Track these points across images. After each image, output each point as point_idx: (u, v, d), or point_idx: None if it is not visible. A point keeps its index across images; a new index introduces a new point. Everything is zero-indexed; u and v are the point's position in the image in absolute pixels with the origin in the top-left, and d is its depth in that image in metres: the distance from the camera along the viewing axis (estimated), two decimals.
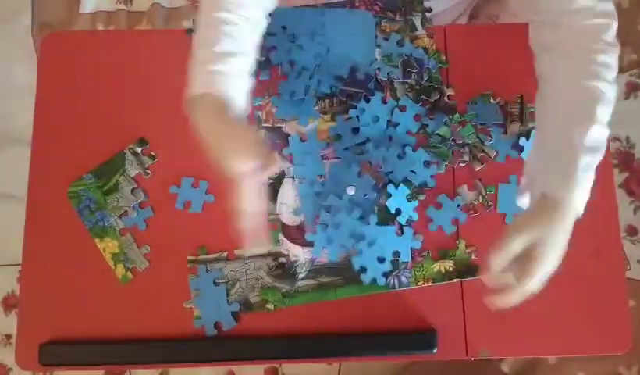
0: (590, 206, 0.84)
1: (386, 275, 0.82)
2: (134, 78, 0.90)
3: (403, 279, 0.83)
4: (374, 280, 0.82)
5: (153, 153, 0.87)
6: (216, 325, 0.82)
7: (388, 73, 0.89)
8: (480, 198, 0.85)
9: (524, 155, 0.85)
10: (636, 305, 1.24)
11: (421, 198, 0.85)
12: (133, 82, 0.90)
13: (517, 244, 0.64)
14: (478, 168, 0.86)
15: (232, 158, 0.66)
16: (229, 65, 0.69)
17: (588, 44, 0.70)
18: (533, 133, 0.85)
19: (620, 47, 1.37)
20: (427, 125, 0.87)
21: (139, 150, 0.87)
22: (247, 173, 0.66)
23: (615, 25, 0.71)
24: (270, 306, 0.82)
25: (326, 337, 0.81)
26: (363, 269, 0.83)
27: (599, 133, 0.67)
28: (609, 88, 0.69)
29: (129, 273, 0.84)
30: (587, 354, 0.86)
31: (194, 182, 0.85)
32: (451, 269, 0.83)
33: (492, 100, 0.88)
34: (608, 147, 0.87)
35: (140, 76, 0.90)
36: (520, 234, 0.64)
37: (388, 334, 0.81)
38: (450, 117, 0.86)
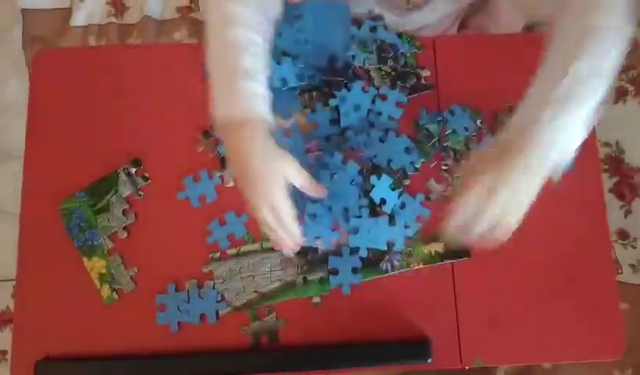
0: (578, 212, 0.86)
1: (352, 287, 0.83)
2: (128, 94, 0.91)
3: (395, 263, 0.84)
4: (340, 286, 0.83)
5: (147, 174, 0.87)
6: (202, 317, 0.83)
7: (364, 60, 0.89)
8: (449, 188, 0.86)
9: None
10: (629, 308, 1.24)
11: (406, 183, 0.86)
12: (127, 98, 0.90)
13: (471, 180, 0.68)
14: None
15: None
16: (258, 83, 0.71)
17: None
18: None
19: None
20: (420, 117, 0.88)
21: (133, 170, 0.87)
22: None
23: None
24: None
25: (318, 349, 0.81)
26: (334, 271, 0.83)
27: (575, 82, 0.66)
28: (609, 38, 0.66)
29: (114, 294, 0.84)
30: (580, 361, 0.87)
31: (196, 176, 0.86)
32: (441, 251, 0.84)
33: (466, 111, 0.88)
34: (597, 152, 0.89)
35: (134, 92, 0.91)
36: (472, 170, 0.69)
37: (382, 344, 0.82)
38: (444, 120, 0.87)
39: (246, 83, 0.70)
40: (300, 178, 0.74)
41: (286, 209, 0.72)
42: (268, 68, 0.74)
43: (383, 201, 0.84)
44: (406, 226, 0.84)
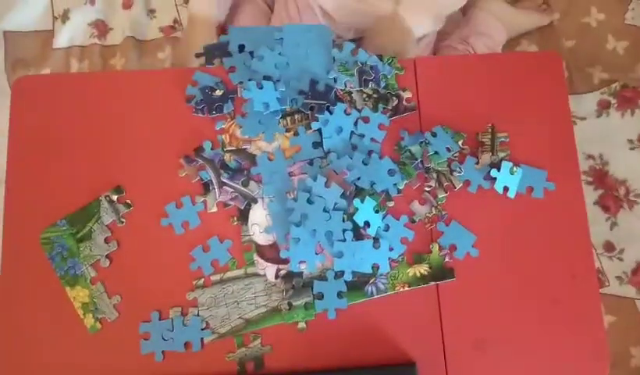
0: (562, 232, 0.86)
1: (337, 311, 0.83)
2: (109, 121, 0.90)
3: (381, 286, 0.84)
4: (325, 311, 0.83)
5: (129, 201, 0.87)
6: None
7: (345, 83, 0.89)
8: (433, 209, 0.86)
9: (496, 186, 0.86)
10: (617, 320, 1.25)
11: (390, 205, 0.86)
12: (108, 125, 0.90)
13: None
14: (441, 195, 0.87)
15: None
16: None
17: None
18: (504, 163, 0.86)
19: (591, 66, 1.40)
20: (402, 138, 0.88)
21: (115, 198, 0.86)
22: None
23: None
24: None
25: (304, 374, 0.81)
26: (320, 295, 0.83)
27: None
28: None
29: (97, 324, 0.83)
30: None
31: (178, 202, 0.86)
32: (426, 273, 0.84)
33: (448, 132, 0.88)
34: (579, 172, 0.90)
35: (115, 119, 0.90)
36: None
37: (368, 368, 0.81)
38: (426, 141, 0.87)
39: None
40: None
41: None
42: None
43: (367, 224, 0.84)
44: (390, 249, 0.84)
